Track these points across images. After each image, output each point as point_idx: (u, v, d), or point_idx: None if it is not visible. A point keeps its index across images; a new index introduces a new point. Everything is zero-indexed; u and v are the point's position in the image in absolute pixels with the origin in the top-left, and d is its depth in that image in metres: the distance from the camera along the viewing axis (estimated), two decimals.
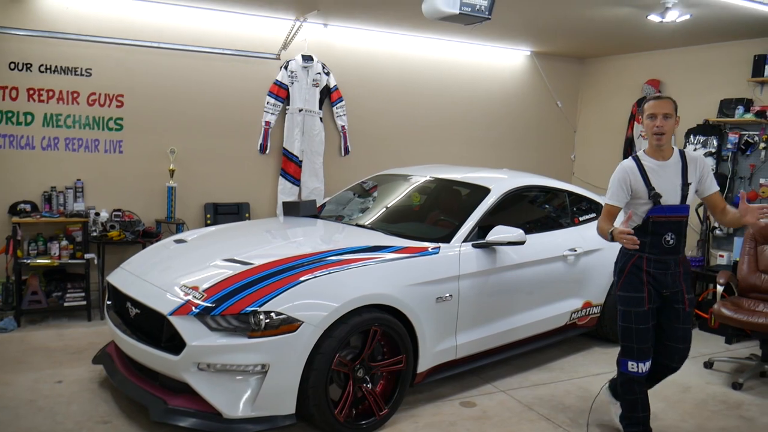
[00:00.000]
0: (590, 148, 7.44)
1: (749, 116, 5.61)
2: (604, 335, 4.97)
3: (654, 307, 3.20)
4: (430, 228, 4.30)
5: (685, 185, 3.14)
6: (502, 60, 6.95)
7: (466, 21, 3.62)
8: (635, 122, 6.70)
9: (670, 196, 3.13)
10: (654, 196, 3.12)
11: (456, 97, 6.74)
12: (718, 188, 3.25)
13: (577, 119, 7.60)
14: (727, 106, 5.82)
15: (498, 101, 7.03)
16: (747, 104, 5.66)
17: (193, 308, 3.06)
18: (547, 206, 4.92)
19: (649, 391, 3.40)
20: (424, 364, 3.62)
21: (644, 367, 3.23)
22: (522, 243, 3.93)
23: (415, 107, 6.52)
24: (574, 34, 5.90)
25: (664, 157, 3.18)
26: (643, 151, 3.26)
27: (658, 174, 3.15)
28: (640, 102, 6.64)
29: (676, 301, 3.21)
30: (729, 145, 5.82)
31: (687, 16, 4.51)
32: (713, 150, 5.92)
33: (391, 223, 4.35)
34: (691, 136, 6.10)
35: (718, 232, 5.89)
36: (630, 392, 3.30)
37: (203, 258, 3.60)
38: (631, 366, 3.23)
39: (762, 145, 5.56)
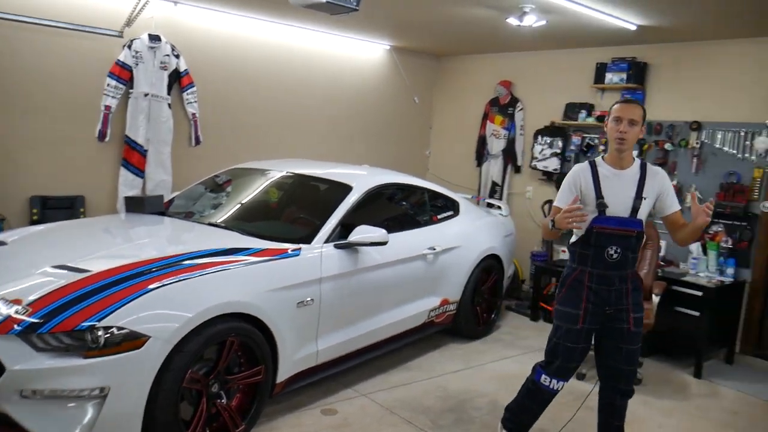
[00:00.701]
0: (445, 145, 7.58)
1: (591, 120, 5.97)
2: (459, 331, 5.07)
3: (592, 327, 2.98)
4: (289, 227, 4.09)
5: (638, 198, 2.88)
6: (362, 53, 6.85)
7: (333, 10, 3.44)
8: (488, 121, 6.91)
9: (619, 208, 2.88)
10: (599, 205, 2.89)
11: (316, 88, 6.54)
12: (680, 208, 3.01)
13: (432, 116, 7.71)
14: (571, 110, 6.16)
15: (357, 95, 6.93)
16: (589, 109, 6.03)
17: (15, 325, 2.62)
18: (407, 204, 4.90)
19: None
20: (283, 374, 3.42)
21: (558, 385, 3.07)
22: (385, 243, 3.86)
23: (274, 97, 6.23)
24: (434, 31, 5.93)
25: (622, 166, 2.93)
26: (602, 156, 3.02)
27: (611, 183, 2.91)
28: (493, 102, 6.87)
29: (620, 319, 2.96)
30: (572, 147, 6.17)
31: (543, 22, 4.67)
32: (558, 151, 6.25)
33: (248, 221, 4.08)
34: (539, 137, 6.39)
35: None
36: (531, 399, 3.19)
37: (28, 264, 3.10)
38: (544, 379, 3.07)
39: (601, 147, 5.95)
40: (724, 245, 5.08)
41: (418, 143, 7.68)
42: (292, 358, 3.46)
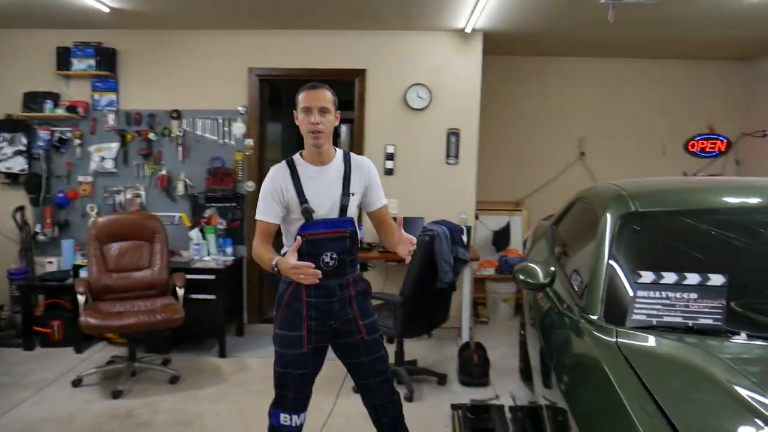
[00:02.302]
0: None
1: (60, 111, 5.30)
2: None
3: (320, 346, 2.65)
4: None
5: (345, 196, 2.60)
6: None
7: None
8: None
9: (327, 209, 2.58)
10: (305, 211, 2.55)
11: None
12: (385, 203, 2.75)
13: None
14: (33, 100, 5.32)
15: None
16: (56, 99, 5.33)
17: None
18: None
19: None
20: None
21: (298, 420, 2.69)
22: None
23: None
24: None
25: (322, 161, 2.60)
26: (300, 153, 2.64)
27: (315, 182, 2.58)
28: None
29: (349, 332, 2.67)
30: (41, 143, 5.36)
31: None
32: (23, 148, 5.35)
33: None
34: None
35: (41, 237, 5.40)
36: None
37: None
38: (284, 419, 2.66)
39: (77, 141, 5.36)
40: (221, 227, 5.34)
41: None
42: None
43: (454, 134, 5.35)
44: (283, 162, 2.64)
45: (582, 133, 6.49)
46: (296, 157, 2.66)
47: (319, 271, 2.34)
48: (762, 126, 6.11)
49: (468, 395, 4.15)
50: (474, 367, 4.44)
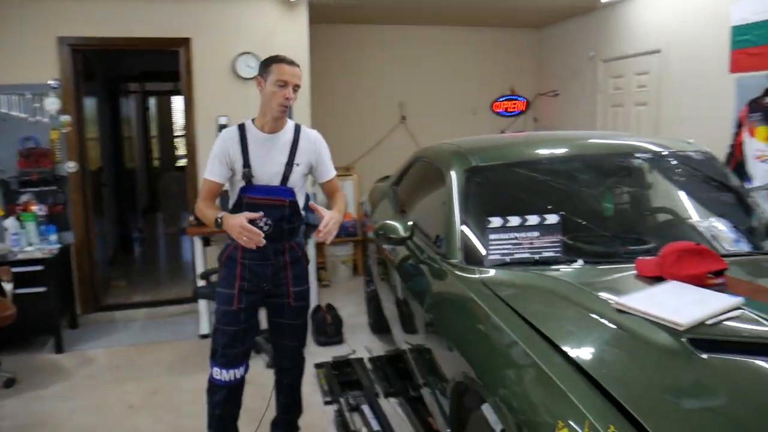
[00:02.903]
0: None
1: None
2: None
3: (251, 306, 2.78)
4: None
5: (289, 165, 2.68)
6: None
7: None
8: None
9: (269, 176, 2.67)
10: (245, 175, 2.64)
11: None
12: (335, 174, 2.86)
13: None
14: None
15: None
16: None
17: None
18: None
19: None
20: None
21: (228, 375, 2.76)
22: None
23: None
24: None
25: (274, 129, 2.69)
26: (252, 120, 2.71)
27: (261, 149, 2.67)
28: None
29: (279, 294, 2.81)
30: None
31: None
32: None
33: None
34: None
35: None
36: (209, 403, 2.84)
37: None
38: (215, 372, 2.77)
39: None
40: (41, 213, 4.90)
41: None
42: None
43: None
44: (235, 126, 2.72)
45: (402, 98, 6.87)
46: (248, 122, 2.72)
47: (263, 241, 2.46)
48: (553, 86, 6.94)
49: (327, 354, 4.33)
50: (328, 326, 4.63)
